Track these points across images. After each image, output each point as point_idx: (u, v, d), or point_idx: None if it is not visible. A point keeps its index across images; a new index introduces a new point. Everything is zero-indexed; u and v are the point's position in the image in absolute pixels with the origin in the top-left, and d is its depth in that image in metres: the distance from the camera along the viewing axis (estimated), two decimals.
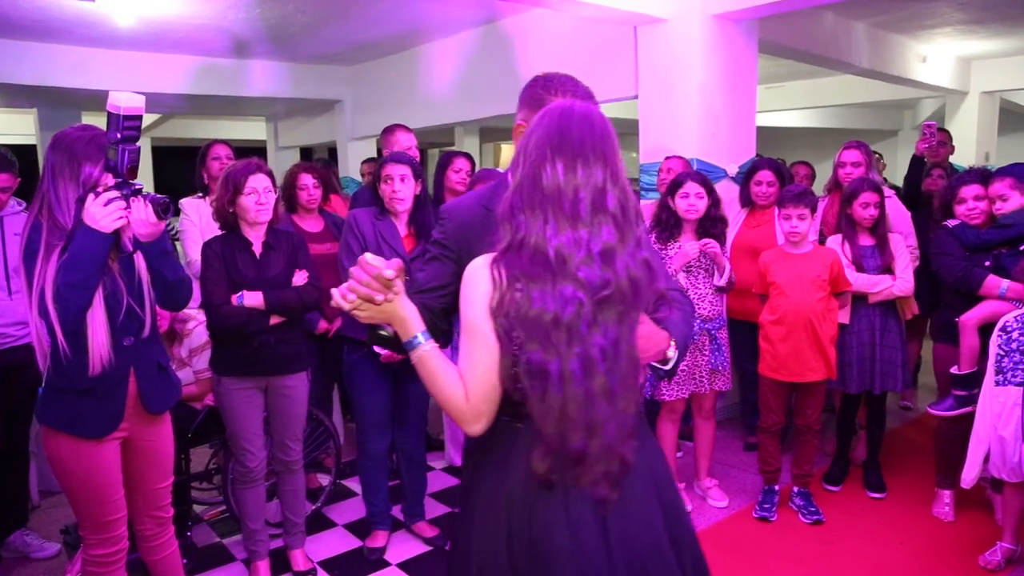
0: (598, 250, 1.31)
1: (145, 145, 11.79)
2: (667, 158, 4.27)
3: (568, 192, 1.31)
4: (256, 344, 2.83)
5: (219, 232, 3.76)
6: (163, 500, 2.42)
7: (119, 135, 1.96)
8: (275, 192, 2.86)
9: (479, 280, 1.35)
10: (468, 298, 1.36)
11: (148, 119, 10.87)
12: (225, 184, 2.81)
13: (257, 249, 2.87)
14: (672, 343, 1.53)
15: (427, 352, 1.37)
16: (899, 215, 3.90)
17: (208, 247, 2.86)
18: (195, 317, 3.31)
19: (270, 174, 2.86)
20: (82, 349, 2.08)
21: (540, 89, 1.71)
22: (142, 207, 2.04)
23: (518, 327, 1.31)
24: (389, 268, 1.32)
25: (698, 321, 3.46)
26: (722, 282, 3.47)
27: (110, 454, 2.21)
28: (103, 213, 1.97)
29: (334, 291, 1.35)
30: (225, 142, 3.98)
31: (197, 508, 3.59)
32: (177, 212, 2.84)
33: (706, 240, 3.43)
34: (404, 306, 1.37)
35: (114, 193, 1.98)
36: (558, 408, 1.31)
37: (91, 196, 1.99)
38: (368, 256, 1.34)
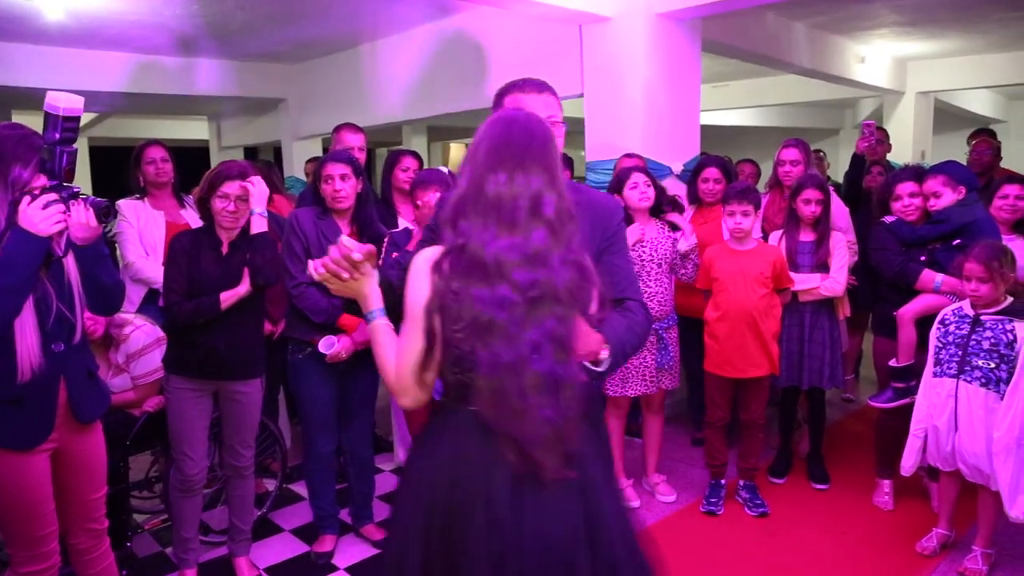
0: (531, 253, 1.40)
1: (82, 145, 11.41)
2: (624, 155, 4.25)
3: (507, 200, 1.41)
4: (205, 348, 2.78)
5: (157, 233, 3.70)
6: (97, 512, 2.33)
7: (57, 136, 1.91)
8: (248, 201, 2.81)
9: (421, 278, 1.47)
10: (410, 289, 1.49)
11: (85, 118, 10.48)
12: (206, 179, 2.80)
13: (225, 248, 2.84)
14: (606, 346, 1.58)
15: (377, 325, 1.58)
16: (837, 211, 3.98)
17: (176, 241, 2.85)
18: (132, 322, 3.22)
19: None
20: (8, 357, 1.98)
21: (499, 92, 1.92)
22: (82, 211, 2.00)
23: (457, 325, 1.41)
24: (358, 252, 1.53)
25: None
26: (687, 246, 3.50)
27: (39, 466, 2.10)
28: (41, 216, 1.89)
29: (311, 263, 1.58)
30: (160, 143, 3.86)
31: (138, 517, 3.48)
32: (115, 215, 2.75)
33: (671, 216, 3.52)
34: (367, 285, 1.58)
35: (53, 196, 1.91)
36: (499, 398, 1.40)
37: (27, 198, 1.90)
38: (344, 239, 1.55)
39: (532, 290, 1.39)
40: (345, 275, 1.55)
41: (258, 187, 2.79)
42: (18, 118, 7.04)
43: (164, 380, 2.89)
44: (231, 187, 2.77)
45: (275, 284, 2.92)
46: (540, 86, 1.89)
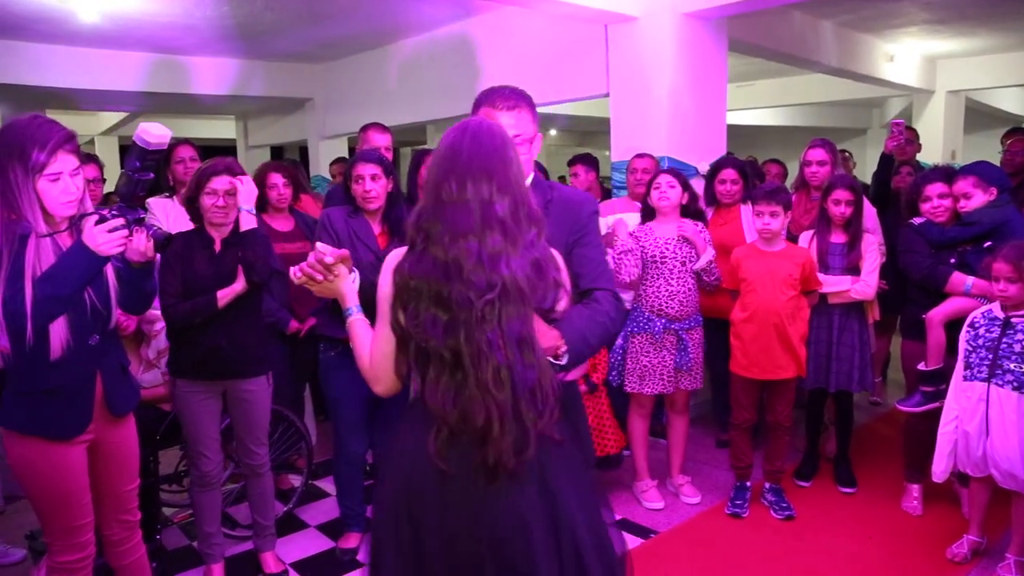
0: (486, 256, 1.47)
1: (112, 144, 11.60)
2: (636, 156, 4.28)
3: (460, 206, 1.49)
4: (206, 348, 2.78)
5: (187, 229, 3.73)
6: (131, 503, 2.38)
7: (138, 164, 2.02)
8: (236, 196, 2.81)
9: (387, 276, 1.58)
10: (380, 286, 1.61)
11: (115, 117, 10.69)
12: (192, 179, 2.81)
13: (217, 247, 2.84)
14: (562, 342, 1.65)
15: (353, 321, 1.74)
16: (865, 211, 3.93)
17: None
18: (162, 318, 3.26)
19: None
20: (45, 350, 2.04)
21: (476, 101, 1.97)
22: (143, 239, 2.10)
23: (416, 322, 1.50)
24: (329, 256, 1.70)
25: (663, 321, 3.48)
26: (700, 265, 3.49)
27: (78, 457, 2.17)
28: (106, 239, 1.96)
29: (292, 268, 1.74)
30: (190, 142, 3.92)
31: (167, 511, 3.54)
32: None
33: (682, 221, 3.48)
34: (343, 285, 1.76)
35: (120, 221, 1.99)
36: (454, 393, 1.48)
37: (94, 218, 1.98)
38: (319, 244, 1.74)
39: (488, 292, 1.46)
40: (319, 277, 1.72)
41: (246, 185, 2.80)
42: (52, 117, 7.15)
43: (171, 384, 2.90)
44: (218, 183, 2.77)
45: (269, 280, 2.92)
46: (513, 101, 1.93)
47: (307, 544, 3.38)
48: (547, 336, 1.62)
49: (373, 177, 2.99)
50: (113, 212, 2.01)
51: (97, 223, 1.97)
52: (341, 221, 3.02)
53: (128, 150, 2.04)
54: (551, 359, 1.65)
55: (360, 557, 3.22)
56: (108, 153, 11.16)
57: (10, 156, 1.99)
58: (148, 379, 3.16)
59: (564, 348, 1.66)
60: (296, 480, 3.81)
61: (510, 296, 1.47)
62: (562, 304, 1.64)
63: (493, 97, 1.94)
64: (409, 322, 1.51)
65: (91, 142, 11.39)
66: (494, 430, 1.46)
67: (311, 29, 6.30)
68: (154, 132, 2.00)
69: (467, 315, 1.46)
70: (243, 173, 2.85)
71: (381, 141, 3.93)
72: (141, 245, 2.11)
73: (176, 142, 3.90)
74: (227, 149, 10.54)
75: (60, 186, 2.02)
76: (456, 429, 1.49)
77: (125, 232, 2.00)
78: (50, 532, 2.18)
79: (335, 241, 2.99)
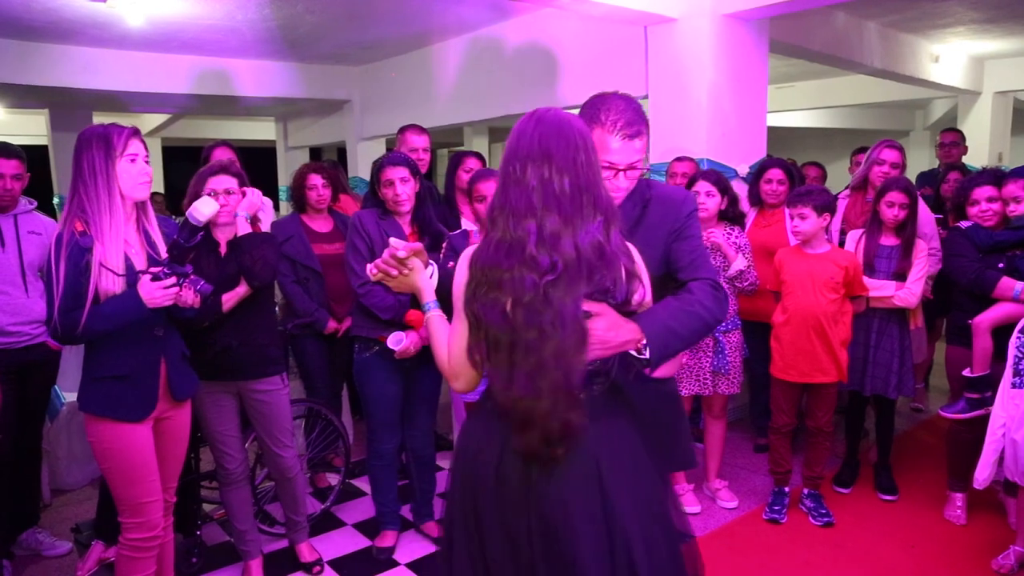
0: (547, 235, 1.46)
1: (155, 145, 11.84)
2: (676, 159, 4.25)
3: (521, 188, 1.49)
4: (217, 348, 2.80)
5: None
6: (172, 483, 2.53)
7: (187, 234, 2.33)
8: (241, 193, 2.83)
9: (462, 269, 1.58)
10: (455, 280, 1.61)
11: (158, 119, 10.91)
12: (192, 182, 2.84)
13: (223, 250, 2.84)
14: (642, 334, 1.58)
15: (431, 316, 1.74)
16: (924, 217, 3.83)
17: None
18: None
19: (239, 175, 2.84)
20: (115, 340, 2.27)
21: (590, 112, 1.85)
22: (191, 294, 2.33)
23: (482, 306, 1.50)
24: (401, 251, 1.73)
25: None
26: (730, 273, 3.46)
27: (145, 436, 2.35)
28: (159, 294, 2.23)
29: (368, 266, 1.80)
30: (228, 144, 3.95)
31: (207, 507, 3.59)
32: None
33: (709, 231, 3.45)
34: (418, 279, 1.77)
35: (172, 280, 2.26)
36: (510, 375, 1.48)
37: (149, 276, 2.23)
38: (392, 240, 1.76)
39: (550, 272, 1.45)
40: (394, 272, 1.75)
41: (249, 196, 2.82)
42: (99, 119, 7.34)
43: None
44: (216, 182, 2.77)
45: (271, 282, 2.91)
46: (635, 128, 1.82)
47: (344, 542, 3.41)
48: (624, 330, 1.55)
49: (402, 180, 3.01)
50: (165, 271, 2.26)
51: (152, 279, 2.23)
52: (372, 223, 3.05)
53: (181, 226, 2.37)
54: (633, 354, 1.60)
55: (396, 556, 3.25)
56: (152, 154, 11.36)
57: (90, 145, 2.24)
58: None
59: (644, 342, 1.58)
60: (334, 479, 3.85)
61: (569, 276, 1.45)
62: (640, 298, 1.60)
63: (612, 116, 1.80)
64: (478, 307, 1.50)
65: None
66: (535, 414, 1.45)
67: (350, 32, 6.36)
68: (204, 211, 2.34)
69: (525, 298, 1.45)
70: (240, 173, 2.85)
71: (419, 142, 3.96)
72: (189, 299, 2.33)
73: (215, 144, 3.96)
74: (267, 150, 10.72)
75: (137, 167, 2.29)
76: (504, 413, 1.50)
77: (176, 289, 2.27)
78: (123, 509, 2.35)
79: (367, 243, 3.03)
